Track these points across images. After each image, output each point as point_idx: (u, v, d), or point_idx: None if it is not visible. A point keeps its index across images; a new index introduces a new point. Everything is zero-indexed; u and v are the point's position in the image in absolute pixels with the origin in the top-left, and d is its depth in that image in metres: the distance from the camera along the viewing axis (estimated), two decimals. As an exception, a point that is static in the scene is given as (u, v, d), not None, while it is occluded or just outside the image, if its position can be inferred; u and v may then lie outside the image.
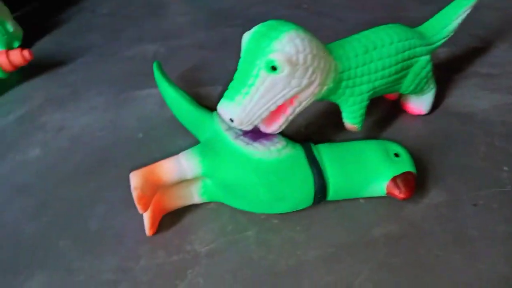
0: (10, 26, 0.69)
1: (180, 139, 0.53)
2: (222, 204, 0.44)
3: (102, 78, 0.65)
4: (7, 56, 0.61)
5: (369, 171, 0.41)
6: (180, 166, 0.40)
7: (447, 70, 0.63)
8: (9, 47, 0.68)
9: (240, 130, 0.42)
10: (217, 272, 0.39)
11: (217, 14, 0.82)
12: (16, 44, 0.70)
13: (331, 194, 0.41)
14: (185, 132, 0.53)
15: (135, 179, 0.38)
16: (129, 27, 0.79)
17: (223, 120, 0.44)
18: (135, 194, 0.37)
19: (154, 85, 0.60)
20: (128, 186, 0.38)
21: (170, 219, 0.43)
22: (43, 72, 0.67)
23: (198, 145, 0.43)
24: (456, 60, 0.65)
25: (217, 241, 0.41)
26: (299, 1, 0.85)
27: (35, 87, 0.64)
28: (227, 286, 0.37)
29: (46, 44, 0.74)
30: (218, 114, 0.46)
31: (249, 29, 0.40)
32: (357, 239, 0.41)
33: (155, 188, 0.39)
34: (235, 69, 0.39)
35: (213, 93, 0.61)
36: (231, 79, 0.39)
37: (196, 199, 0.43)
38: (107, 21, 0.80)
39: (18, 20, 0.72)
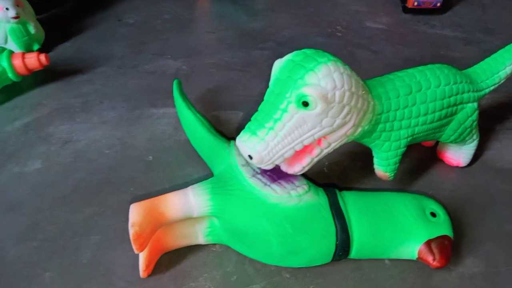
0: (32, 28, 0.66)
1: (191, 166, 0.49)
2: (228, 247, 0.39)
3: (118, 91, 0.62)
4: (23, 59, 0.58)
5: (401, 230, 0.36)
6: (187, 202, 0.35)
7: (488, 119, 0.57)
8: (28, 49, 0.66)
9: (258, 168, 0.38)
10: (215, 332, 0.33)
11: (246, 35, 0.78)
12: (36, 46, 0.68)
13: (354, 252, 0.36)
14: (198, 159, 0.48)
15: (135, 213, 0.33)
16: (153, 40, 0.75)
17: (240, 154, 0.39)
18: (132, 232, 0.33)
19: (171, 104, 0.57)
20: (127, 215, 0.34)
21: (168, 259, 0.38)
22: (58, 79, 0.64)
23: (209, 180, 0.38)
24: (498, 108, 0.60)
25: (219, 292, 0.36)
26: (333, 28, 0.81)
27: (47, 95, 0.61)
28: None
29: (66, 49, 0.72)
30: (235, 145, 0.41)
31: (279, 53, 0.35)
32: (379, 308, 0.35)
33: (156, 225, 0.34)
34: (261, 95, 0.35)
35: (233, 118, 0.57)
36: (255, 106, 0.35)
37: (200, 239, 0.39)
38: (132, 31, 0.77)
39: (42, 22, 0.70)
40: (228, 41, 0.77)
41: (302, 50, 0.35)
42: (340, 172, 0.48)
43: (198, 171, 0.48)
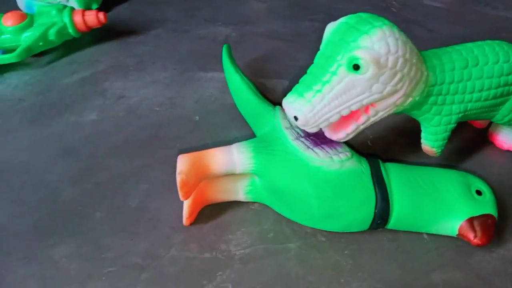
0: (92, -12, 0.69)
1: (236, 129, 0.50)
2: (266, 207, 0.40)
3: (170, 53, 0.64)
4: (83, 16, 0.61)
5: (444, 205, 0.35)
6: (231, 158, 0.36)
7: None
8: (87, 8, 0.69)
9: (302, 131, 0.38)
10: (249, 281, 0.35)
11: (297, 5, 0.78)
12: (95, 6, 0.71)
13: (393, 222, 0.36)
14: (242, 123, 0.50)
15: (182, 163, 0.35)
16: (206, 6, 0.76)
17: (285, 117, 0.40)
18: (179, 179, 0.34)
19: (219, 69, 0.58)
20: (174, 168, 0.36)
21: (209, 211, 0.40)
22: (114, 39, 0.67)
23: (253, 139, 0.39)
24: None
25: (255, 246, 0.37)
26: (388, 3, 0.78)
27: (103, 52, 0.64)
28: (257, 300, 0.34)
29: (123, 11, 0.74)
30: (280, 109, 0.42)
31: None
32: (412, 280, 0.35)
33: (201, 176, 0.36)
34: (308, 65, 0.35)
35: (279, 86, 0.57)
36: (301, 75, 0.35)
37: (241, 196, 0.40)
38: (185, -3, 0.79)
39: (101, -16, 0.73)
40: (279, 11, 0.77)
41: (357, 14, 0.34)
42: (384, 146, 0.48)
43: (242, 134, 0.49)
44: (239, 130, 0.49)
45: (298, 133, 0.38)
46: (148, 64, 0.62)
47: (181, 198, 0.35)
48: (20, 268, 0.36)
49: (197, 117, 0.52)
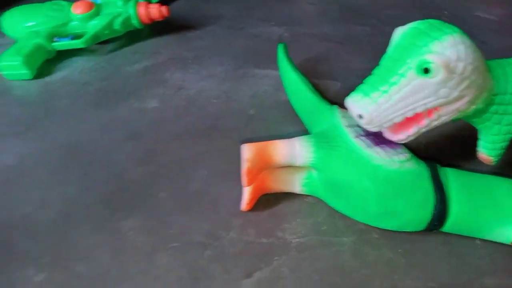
0: (154, -17, 0.73)
1: (289, 125, 0.52)
2: (320, 201, 0.42)
3: (225, 49, 0.66)
4: (147, 8, 0.64)
5: (501, 212, 0.36)
6: (294, 150, 0.38)
7: None
8: (148, 1, 0.72)
9: (363, 130, 0.39)
10: (305, 269, 0.36)
11: (348, 10, 0.79)
12: (155, 0, 0.74)
13: (448, 225, 0.37)
14: (295, 120, 0.51)
15: (248, 151, 0.37)
16: (260, 6, 0.79)
17: (344, 116, 0.41)
18: (245, 166, 0.36)
19: (272, 67, 0.60)
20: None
21: (266, 200, 0.42)
22: (172, 32, 0.70)
23: (313, 134, 0.41)
24: None
25: (310, 237, 0.39)
26: (439, 13, 0.79)
27: (163, 45, 0.67)
28: (312, 286, 0.35)
29: (181, 6, 0.78)
30: (338, 108, 0.43)
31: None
32: (464, 282, 0.36)
33: (264, 166, 0.38)
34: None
35: (332, 87, 0.58)
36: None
37: (297, 188, 0.42)
38: (239, -3, 0.82)
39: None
40: (329, 14, 0.78)
41: (427, 20, 0.36)
42: (437, 152, 0.48)
43: (295, 129, 0.51)
44: (292, 126, 0.51)
45: (357, 132, 0.39)
46: (205, 59, 0.64)
47: (244, 185, 0.37)
48: (91, 237, 0.39)
49: (252, 111, 0.54)
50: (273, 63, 0.59)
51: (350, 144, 0.38)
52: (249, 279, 0.36)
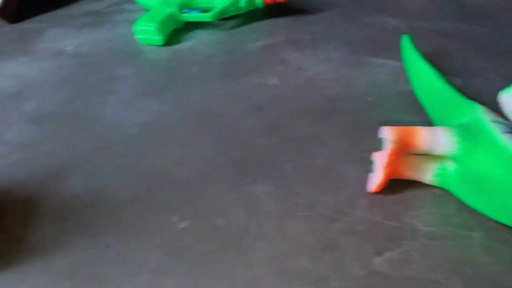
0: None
1: (411, 115, 0.51)
2: (448, 193, 0.41)
3: (340, 36, 0.67)
4: (272, -11, 0.66)
5: None
6: (436, 138, 0.38)
7: None
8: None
9: (509, 127, 0.38)
10: (436, 256, 0.36)
11: (467, 9, 0.76)
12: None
13: None
14: (417, 110, 0.51)
15: (392, 133, 0.38)
16: (374, -4, 0.78)
17: (486, 111, 0.40)
18: (389, 147, 0.37)
19: (389, 56, 0.59)
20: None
21: (393, 186, 0.42)
22: (289, 15, 0.72)
23: (455, 126, 0.40)
24: None
25: (439, 227, 0.39)
26: None
27: (280, 26, 0.69)
28: (443, 274, 0.35)
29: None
30: (478, 104, 0.42)
31: (500, 32, 0.35)
32: None
33: (404, 149, 0.38)
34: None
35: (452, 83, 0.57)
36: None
37: (427, 178, 0.41)
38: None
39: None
40: (447, 11, 0.76)
41: None
42: None
43: (417, 119, 0.50)
44: (415, 116, 0.51)
45: (504, 129, 0.38)
46: (321, 43, 0.65)
47: (383, 166, 0.38)
48: (226, 196, 0.41)
49: (370, 98, 0.54)
50: (389, 53, 0.59)
51: (497, 140, 0.37)
52: (379, 257, 0.36)
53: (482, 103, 0.42)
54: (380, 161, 0.38)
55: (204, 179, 0.43)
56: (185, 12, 0.65)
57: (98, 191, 0.42)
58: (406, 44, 0.55)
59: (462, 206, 0.40)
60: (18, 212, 0.41)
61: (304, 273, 0.35)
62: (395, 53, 0.60)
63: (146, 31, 0.61)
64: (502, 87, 0.44)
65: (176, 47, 0.63)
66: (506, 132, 0.37)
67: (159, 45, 0.62)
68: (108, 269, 0.36)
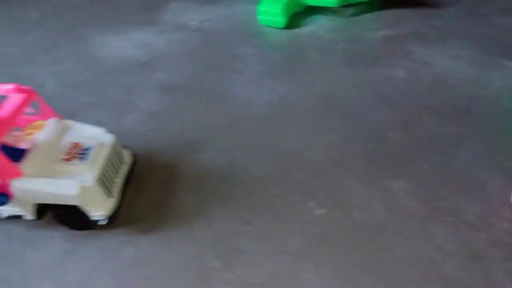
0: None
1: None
2: None
3: (467, 33, 0.63)
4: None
5: None
6: None
7: None
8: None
9: None
10: None
11: None
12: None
13: None
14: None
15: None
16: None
17: None
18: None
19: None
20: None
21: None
22: (410, 7, 0.68)
23: None
24: None
25: None
26: None
27: (402, 17, 0.66)
28: None
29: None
30: None
31: None
32: None
33: None
34: None
35: None
36: None
37: None
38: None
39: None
40: None
41: None
42: None
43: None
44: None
45: None
46: (447, 39, 0.62)
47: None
48: (361, 188, 0.41)
49: (508, 104, 0.51)
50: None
51: None
52: (533, 275, 0.34)
53: None
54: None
55: (336, 167, 0.43)
56: (309, -4, 0.64)
57: (231, 166, 0.43)
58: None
59: None
60: (158, 178, 0.43)
61: (452, 280, 0.33)
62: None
63: (270, 13, 0.61)
64: None
65: (297, 30, 0.62)
66: None
67: (280, 28, 0.62)
68: (249, 245, 0.36)
